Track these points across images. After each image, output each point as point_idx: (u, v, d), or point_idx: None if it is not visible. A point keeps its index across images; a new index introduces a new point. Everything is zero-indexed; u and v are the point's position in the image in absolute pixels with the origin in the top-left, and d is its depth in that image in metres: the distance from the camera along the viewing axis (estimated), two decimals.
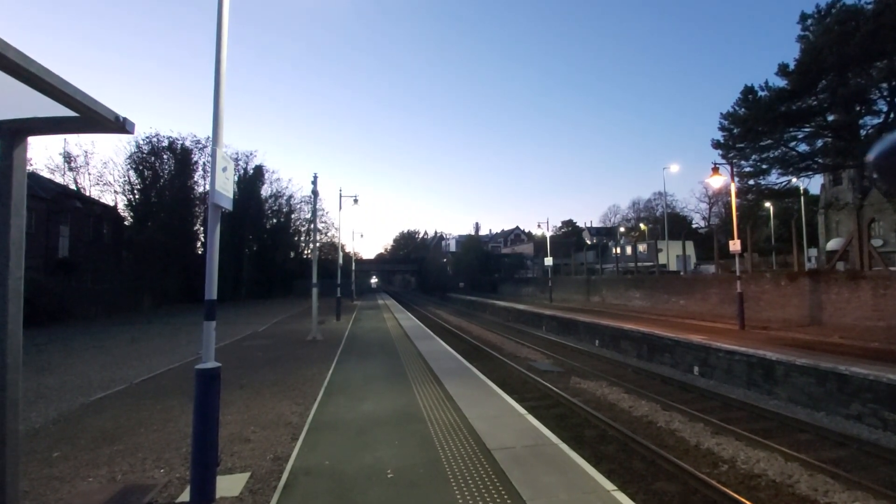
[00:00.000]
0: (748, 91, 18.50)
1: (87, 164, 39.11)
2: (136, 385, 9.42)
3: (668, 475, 6.66)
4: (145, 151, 42.26)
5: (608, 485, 4.38)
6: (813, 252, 36.38)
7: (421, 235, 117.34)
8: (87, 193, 37.21)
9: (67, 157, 37.54)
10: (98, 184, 39.75)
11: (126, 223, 39.14)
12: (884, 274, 15.69)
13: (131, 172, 41.84)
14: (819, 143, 18.32)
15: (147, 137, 42.13)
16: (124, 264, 35.05)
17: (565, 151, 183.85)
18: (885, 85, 15.38)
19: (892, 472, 6.79)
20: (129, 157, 41.68)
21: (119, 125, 2.39)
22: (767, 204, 32.24)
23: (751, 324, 16.74)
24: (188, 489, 4.25)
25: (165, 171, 43.92)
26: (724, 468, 6.99)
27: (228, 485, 4.55)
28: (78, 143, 38.27)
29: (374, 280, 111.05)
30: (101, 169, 42.30)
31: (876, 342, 12.51)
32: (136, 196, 41.79)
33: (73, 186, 36.55)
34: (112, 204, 38.95)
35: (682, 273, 31.71)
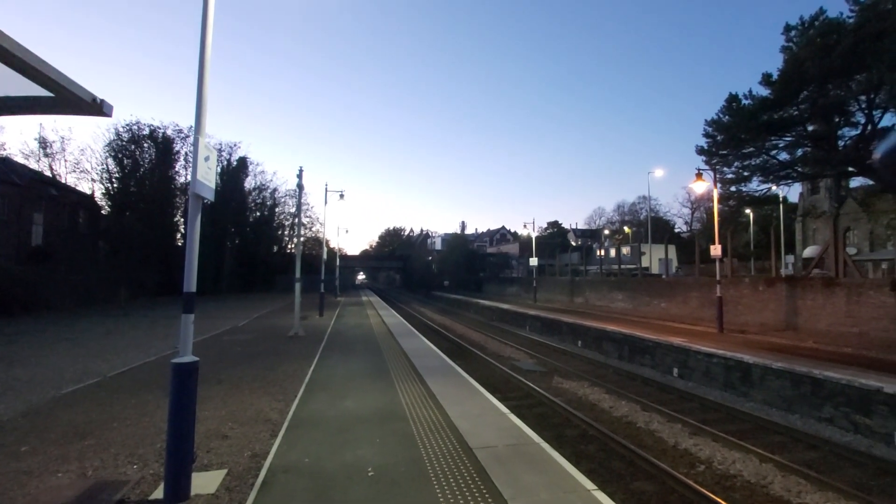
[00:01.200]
0: (732, 99, 18.82)
1: (64, 150, 37.92)
2: (110, 379, 9.16)
3: (647, 475, 6.74)
4: (125, 139, 41.12)
5: (588, 484, 4.40)
6: (790, 258, 37.36)
7: (407, 233, 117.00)
8: (63, 181, 36.12)
9: (43, 143, 36.37)
10: (74, 171, 38.61)
11: (103, 212, 38.10)
12: (857, 282, 16.14)
13: (110, 160, 40.68)
14: (799, 152, 18.73)
15: (127, 125, 41.04)
16: (101, 255, 34.15)
17: (552, 153, 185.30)
18: (863, 97, 15.78)
19: (861, 473, 6.99)
20: (108, 144, 40.53)
21: (96, 107, 2.29)
22: (748, 210, 32.93)
23: (729, 327, 17.07)
24: (162, 486, 4.14)
25: (146, 160, 42.81)
26: (701, 468, 7.11)
27: (204, 482, 4.44)
28: (54, 128, 37.06)
29: (361, 276, 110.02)
30: (77, 156, 41.34)
31: (849, 348, 12.87)
32: (115, 185, 40.65)
33: (48, 173, 35.44)
34: (89, 192, 37.91)
35: (663, 276, 32.21)
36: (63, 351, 12.34)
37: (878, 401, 8.26)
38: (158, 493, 4.18)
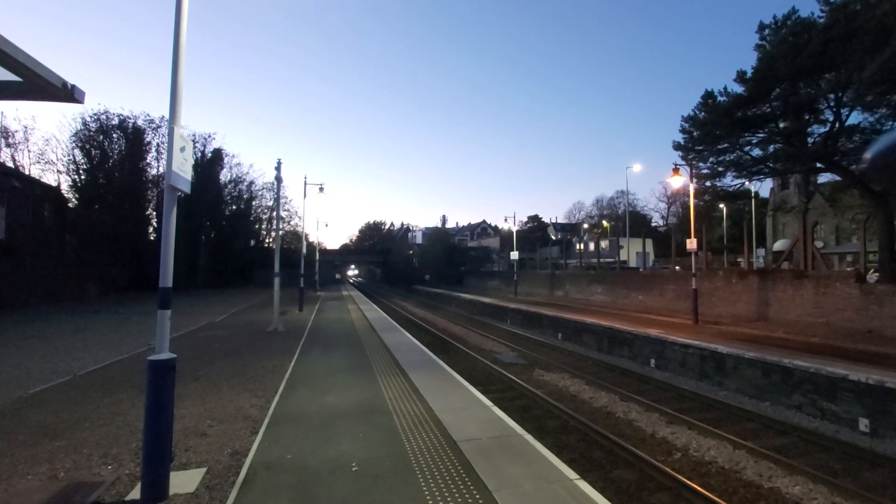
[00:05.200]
0: (708, 96, 19.18)
1: (27, 140, 36.43)
2: (80, 377, 8.85)
3: (626, 463, 6.88)
4: (93, 129, 39.62)
5: (571, 474, 4.46)
6: (761, 252, 38.55)
7: (387, 227, 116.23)
8: (27, 172, 34.61)
9: (4, 133, 34.79)
10: (39, 162, 37.14)
11: (70, 205, 36.63)
12: (825, 274, 16.76)
13: (76, 151, 39.17)
14: (771, 148, 19.22)
15: (95, 114, 39.53)
16: (68, 249, 32.84)
17: (532, 147, 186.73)
18: (832, 96, 16.26)
19: (827, 457, 7.28)
20: (75, 134, 39.01)
21: (67, 93, 2.17)
22: (721, 205, 33.77)
23: (704, 318, 17.52)
24: (139, 486, 4.02)
25: (115, 151, 41.34)
26: (678, 456, 7.30)
27: (183, 481, 4.33)
28: (17, 116, 35.64)
29: (352, 272, 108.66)
30: (42, 146, 39.55)
31: (816, 337, 13.37)
32: (82, 177, 39.17)
33: (10, 164, 33.90)
34: (55, 184, 36.37)
35: (641, 269, 32.84)
36: (30, 349, 11.87)
37: (844, 388, 8.61)
38: (135, 494, 4.06)
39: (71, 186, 38.54)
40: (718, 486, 6.26)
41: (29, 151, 36.55)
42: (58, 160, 38.21)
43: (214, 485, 4.33)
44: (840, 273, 18.11)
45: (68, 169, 38.66)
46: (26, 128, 37.66)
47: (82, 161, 39.43)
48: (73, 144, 38.97)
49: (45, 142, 45.39)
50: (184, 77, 4.17)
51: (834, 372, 8.83)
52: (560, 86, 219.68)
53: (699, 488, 5.90)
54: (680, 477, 6.21)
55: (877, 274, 16.99)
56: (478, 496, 3.99)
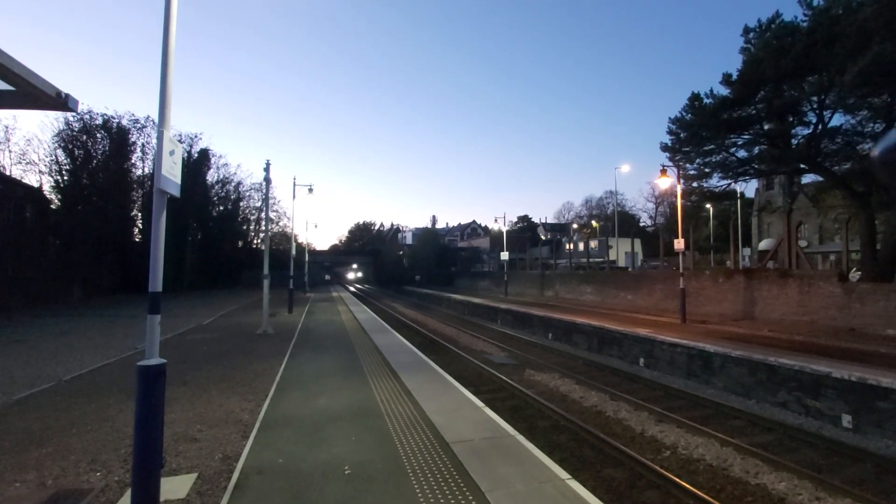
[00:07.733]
0: (695, 98, 19.43)
1: (8, 140, 35.59)
2: (66, 382, 8.71)
3: (616, 462, 6.96)
4: (76, 129, 38.81)
5: (563, 473, 4.51)
6: (747, 251, 39.15)
7: (377, 227, 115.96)
8: (8, 173, 33.88)
9: None
10: (20, 163, 36.30)
11: (53, 207, 35.94)
12: (808, 273, 17.08)
13: (59, 151, 38.32)
14: (756, 149, 19.55)
15: (78, 114, 38.73)
16: (51, 251, 32.23)
17: (522, 148, 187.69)
18: (815, 98, 16.61)
19: (812, 453, 7.43)
20: (58, 134, 38.15)
21: (60, 102, 2.14)
22: (708, 205, 34.24)
23: (691, 318, 17.74)
24: (128, 493, 3.98)
25: (99, 152, 40.58)
26: (667, 454, 7.39)
27: (174, 487, 4.30)
28: None
29: (353, 273, 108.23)
30: (23, 146, 38.53)
31: (800, 335, 13.62)
32: (65, 177, 38.37)
33: None
34: (36, 185, 35.67)
35: (630, 269, 33.17)
36: (13, 353, 11.63)
37: (828, 385, 8.79)
38: (125, 501, 4.02)
39: (53, 187, 37.77)
40: (706, 484, 6.36)
41: (10, 152, 35.79)
42: (40, 160, 37.46)
43: (206, 490, 4.30)
44: (823, 272, 18.50)
45: (51, 170, 37.90)
46: (7, 128, 36.71)
47: (65, 161, 38.67)
48: (56, 145, 38.20)
49: (26, 142, 44.57)
50: (173, 81, 4.13)
51: (818, 370, 9.01)
52: (549, 86, 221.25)
53: (688, 486, 5.99)
54: (669, 475, 6.30)
55: (859, 273, 17.37)
56: (470, 497, 4.02)
